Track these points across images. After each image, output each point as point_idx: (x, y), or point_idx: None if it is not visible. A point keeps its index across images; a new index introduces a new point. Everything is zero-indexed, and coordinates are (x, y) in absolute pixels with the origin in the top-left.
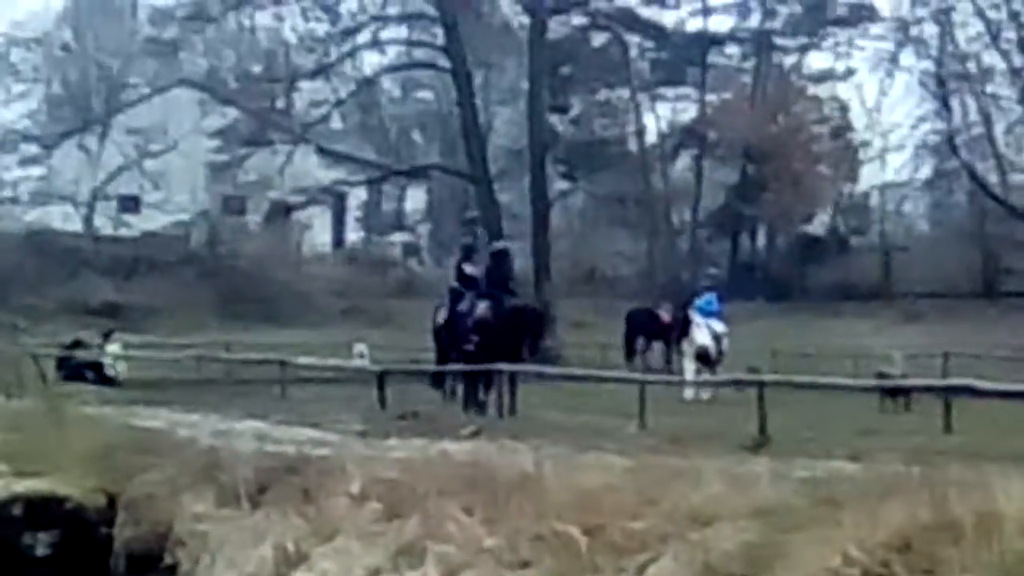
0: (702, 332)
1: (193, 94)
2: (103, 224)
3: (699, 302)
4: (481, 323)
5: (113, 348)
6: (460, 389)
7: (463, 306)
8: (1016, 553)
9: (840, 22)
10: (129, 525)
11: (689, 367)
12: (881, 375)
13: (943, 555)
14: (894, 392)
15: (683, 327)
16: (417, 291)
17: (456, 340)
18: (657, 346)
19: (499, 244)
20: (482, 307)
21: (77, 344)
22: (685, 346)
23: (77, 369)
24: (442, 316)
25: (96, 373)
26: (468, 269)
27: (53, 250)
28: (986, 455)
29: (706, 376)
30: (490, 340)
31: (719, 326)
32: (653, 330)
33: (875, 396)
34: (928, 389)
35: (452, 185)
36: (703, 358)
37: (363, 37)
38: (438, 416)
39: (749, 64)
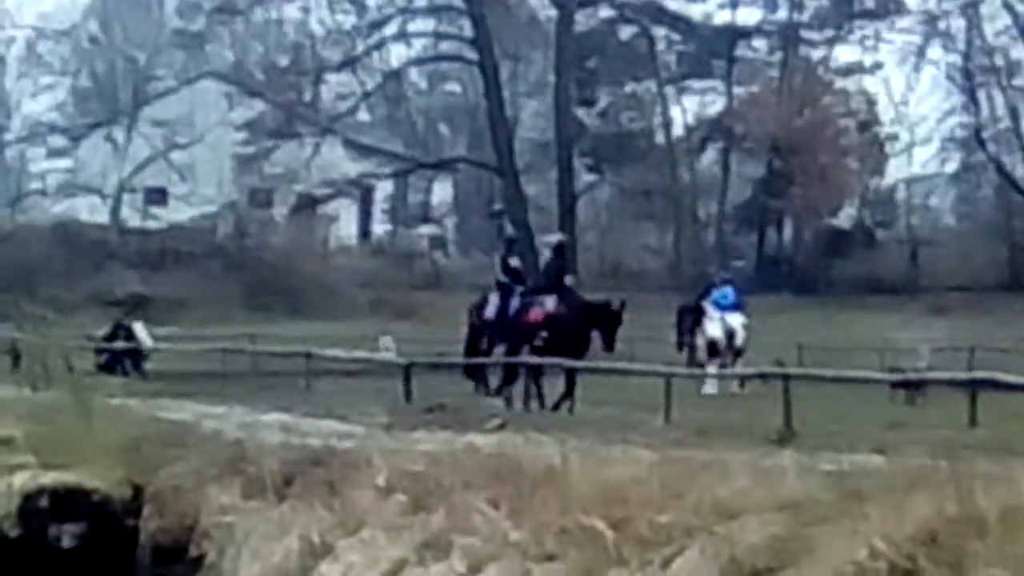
0: (714, 325)
1: (220, 86)
2: (130, 216)
3: (715, 295)
4: (550, 318)
5: (138, 327)
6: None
7: (520, 300)
8: None
9: (867, 15)
10: (155, 517)
11: (705, 360)
12: (893, 369)
13: (969, 548)
14: (905, 385)
15: (696, 319)
16: (443, 283)
17: (518, 335)
18: None
19: (556, 237)
20: (550, 302)
21: (120, 328)
22: (698, 339)
23: (115, 359)
24: (491, 311)
25: (134, 359)
26: (513, 263)
27: (80, 242)
28: (1012, 449)
29: (715, 368)
30: (559, 335)
31: (736, 319)
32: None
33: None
34: (953, 383)
35: (479, 178)
36: (713, 350)
37: (390, 29)
38: (464, 409)
39: (776, 57)
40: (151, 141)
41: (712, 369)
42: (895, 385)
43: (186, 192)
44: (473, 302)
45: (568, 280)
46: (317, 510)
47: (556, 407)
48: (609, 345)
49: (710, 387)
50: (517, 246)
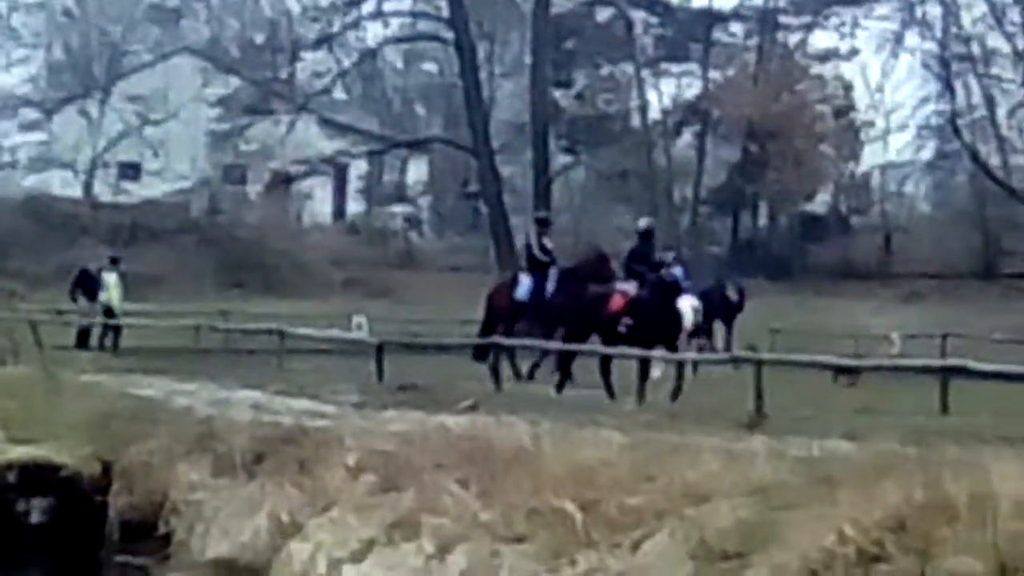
0: None
1: (195, 62)
2: (102, 191)
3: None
4: (633, 303)
5: (109, 278)
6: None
7: (587, 287)
8: (1010, 534)
9: (845, 1)
10: (124, 493)
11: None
12: (857, 355)
13: (937, 535)
14: (844, 370)
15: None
16: (417, 263)
17: (598, 325)
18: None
19: (645, 221)
20: (632, 287)
21: (85, 275)
22: None
23: (87, 335)
24: (522, 292)
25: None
26: (548, 243)
27: (52, 216)
28: (982, 436)
29: (662, 352)
30: (644, 320)
31: (684, 301)
32: (719, 309)
33: (873, 376)
34: (925, 370)
35: (454, 158)
36: None
37: (367, 7)
38: (436, 389)
39: (753, 42)
40: (125, 116)
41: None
42: (839, 370)
43: (159, 168)
44: (498, 282)
45: (668, 256)
46: (287, 488)
47: (641, 396)
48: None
49: (656, 371)
50: (550, 226)
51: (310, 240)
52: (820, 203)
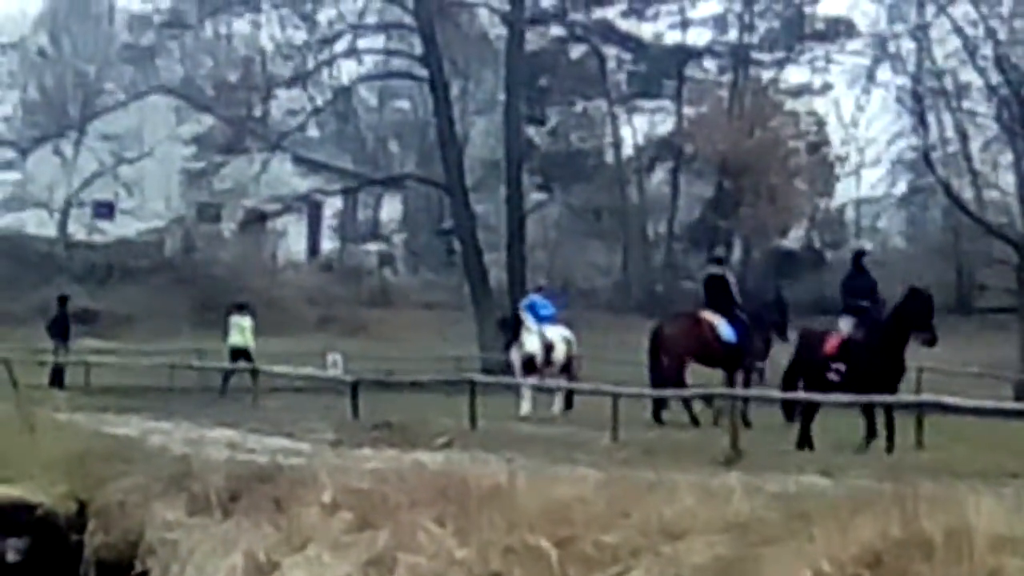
0: (531, 338)
1: (169, 101)
2: (77, 230)
3: (536, 303)
4: (847, 345)
5: (243, 321)
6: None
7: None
8: (987, 569)
9: (818, 37)
10: (100, 532)
11: (520, 376)
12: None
13: (914, 571)
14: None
15: (515, 332)
16: (391, 301)
17: (799, 367)
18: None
19: (861, 245)
20: (846, 324)
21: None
22: (513, 354)
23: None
24: (731, 333)
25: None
26: (731, 279)
27: (27, 255)
28: (957, 471)
29: (533, 381)
30: (860, 364)
31: (556, 331)
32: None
33: (845, 411)
34: (901, 405)
35: (428, 195)
36: (531, 366)
37: (340, 46)
38: (411, 426)
39: (726, 78)
40: (99, 155)
41: (528, 383)
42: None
43: (134, 206)
44: (679, 324)
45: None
46: (263, 527)
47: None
48: (932, 337)
49: (526, 406)
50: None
51: (284, 278)
52: (794, 239)
